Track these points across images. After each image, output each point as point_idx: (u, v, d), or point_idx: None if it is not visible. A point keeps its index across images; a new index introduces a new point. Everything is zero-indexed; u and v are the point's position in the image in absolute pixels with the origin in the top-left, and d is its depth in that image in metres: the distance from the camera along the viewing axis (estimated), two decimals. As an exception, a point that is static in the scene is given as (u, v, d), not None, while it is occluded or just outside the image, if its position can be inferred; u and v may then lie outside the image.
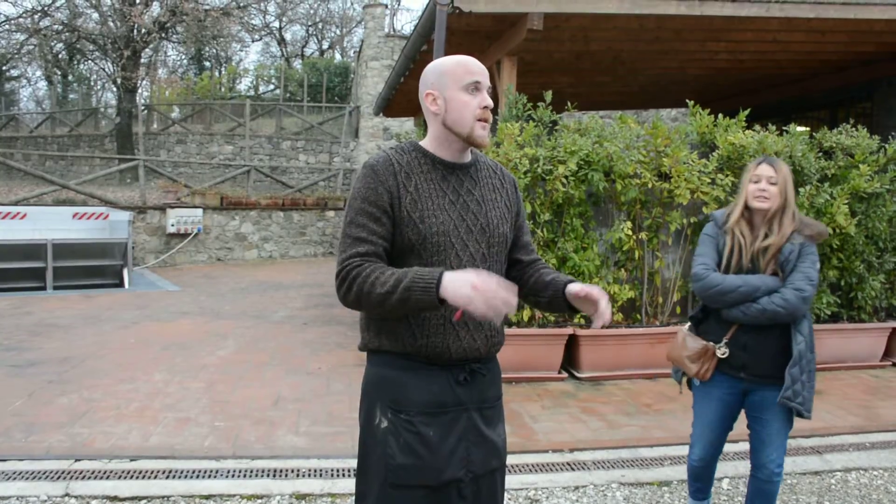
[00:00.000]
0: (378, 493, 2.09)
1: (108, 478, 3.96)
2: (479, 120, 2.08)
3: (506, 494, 3.91)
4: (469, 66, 2.10)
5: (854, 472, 4.39)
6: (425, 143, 2.17)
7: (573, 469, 4.28)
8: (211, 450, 4.39)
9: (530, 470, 4.25)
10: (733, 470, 4.31)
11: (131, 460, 4.20)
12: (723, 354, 3.07)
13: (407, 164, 2.09)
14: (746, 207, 3.11)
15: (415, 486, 2.06)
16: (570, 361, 6.26)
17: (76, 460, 4.15)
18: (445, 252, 2.06)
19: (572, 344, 6.16)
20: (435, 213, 2.06)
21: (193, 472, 4.09)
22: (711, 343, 3.11)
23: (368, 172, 2.08)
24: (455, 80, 2.08)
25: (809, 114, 12.22)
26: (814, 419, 5.08)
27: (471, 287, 1.78)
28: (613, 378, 6.10)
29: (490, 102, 2.10)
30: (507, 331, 5.84)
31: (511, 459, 4.31)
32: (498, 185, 2.25)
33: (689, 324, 3.31)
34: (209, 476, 4.05)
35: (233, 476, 4.05)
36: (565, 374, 6.12)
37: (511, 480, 4.09)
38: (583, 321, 6.21)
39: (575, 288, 2.12)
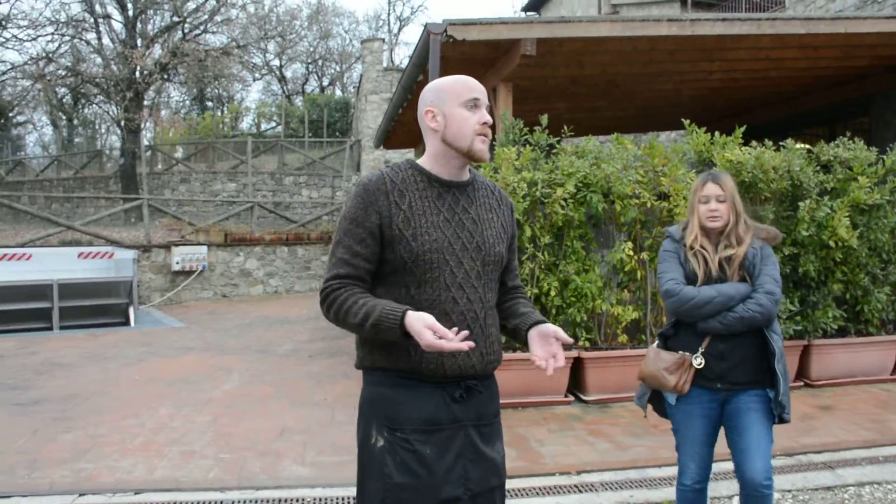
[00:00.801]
0: None
1: (112, 513, 3.94)
2: (479, 135, 2.11)
3: (513, 518, 3.88)
4: (468, 83, 2.15)
5: (868, 486, 4.32)
6: (422, 162, 2.19)
7: (581, 491, 4.23)
8: (215, 481, 4.36)
9: (537, 493, 4.21)
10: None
11: (136, 493, 4.18)
12: (699, 365, 3.03)
13: (402, 181, 2.11)
14: (701, 227, 3.13)
15: None
16: (576, 385, 6.21)
17: (80, 495, 4.13)
18: (439, 269, 2.07)
19: (578, 367, 6.12)
20: (428, 230, 2.07)
21: (198, 503, 4.06)
22: (688, 354, 3.06)
23: (360, 192, 2.11)
24: (454, 97, 2.12)
25: (807, 131, 12.26)
26: (824, 434, 5.11)
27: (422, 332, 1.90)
28: (620, 400, 6.05)
29: (489, 119, 2.14)
30: (510, 356, 5.88)
31: (517, 483, 4.32)
32: (495, 205, 2.27)
33: (657, 341, 3.26)
34: (214, 508, 4.03)
35: (238, 507, 4.03)
36: (572, 398, 6.07)
37: (518, 504, 4.06)
38: (587, 343, 6.18)
39: (545, 327, 2.16)
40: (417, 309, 2.00)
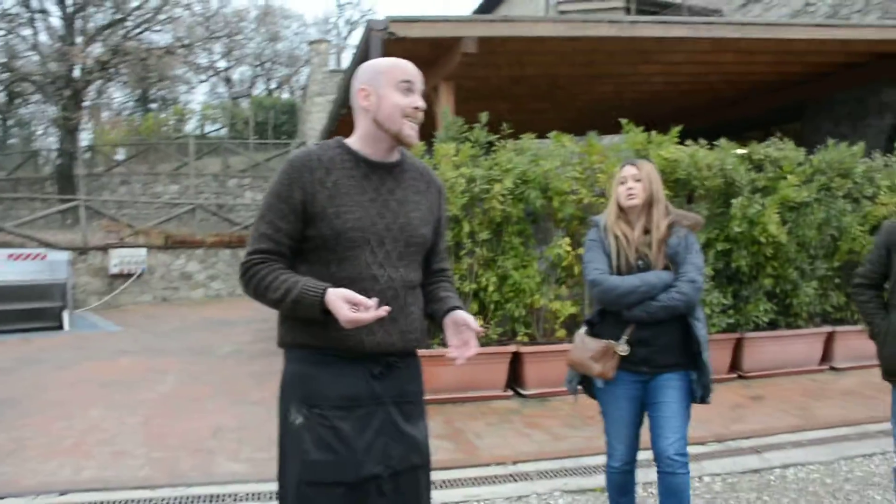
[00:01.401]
0: (295, 493, 2.05)
1: (35, 512, 3.83)
2: (410, 119, 2.12)
3: (447, 507, 3.89)
4: (404, 66, 2.15)
5: (792, 467, 4.46)
6: (351, 141, 2.19)
7: (515, 480, 4.27)
8: (146, 480, 4.28)
9: (472, 483, 4.23)
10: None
11: (61, 494, 4.07)
12: (623, 352, 3.07)
13: (328, 159, 2.11)
14: (620, 209, 3.18)
15: (331, 484, 2.03)
16: (515, 379, 6.26)
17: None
18: (360, 248, 2.08)
19: (517, 362, 6.17)
20: (352, 209, 2.07)
21: (126, 501, 3.99)
22: (612, 341, 3.09)
23: (286, 168, 2.10)
24: (389, 79, 2.12)
25: (745, 134, 12.59)
26: (753, 422, 5.24)
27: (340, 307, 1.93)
28: (559, 394, 6.08)
29: (422, 104, 2.16)
30: (449, 350, 5.86)
31: (453, 474, 4.34)
32: (423, 187, 2.27)
33: (584, 327, 3.30)
34: (143, 504, 3.94)
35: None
36: (511, 392, 6.12)
37: (453, 494, 4.07)
38: (526, 338, 6.23)
39: (459, 315, 2.19)
40: (338, 286, 2.00)
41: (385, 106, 2.11)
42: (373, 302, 1.93)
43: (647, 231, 3.13)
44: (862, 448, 4.77)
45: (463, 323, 2.16)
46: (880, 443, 4.78)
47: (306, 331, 2.09)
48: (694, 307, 3.07)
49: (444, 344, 2.23)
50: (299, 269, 2.11)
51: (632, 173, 3.15)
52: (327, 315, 1.96)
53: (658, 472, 3.09)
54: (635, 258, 3.10)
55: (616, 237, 3.14)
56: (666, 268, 3.09)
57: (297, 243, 2.11)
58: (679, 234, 3.11)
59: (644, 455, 4.16)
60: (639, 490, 4.08)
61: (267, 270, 2.06)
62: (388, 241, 2.12)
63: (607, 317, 3.20)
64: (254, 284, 2.07)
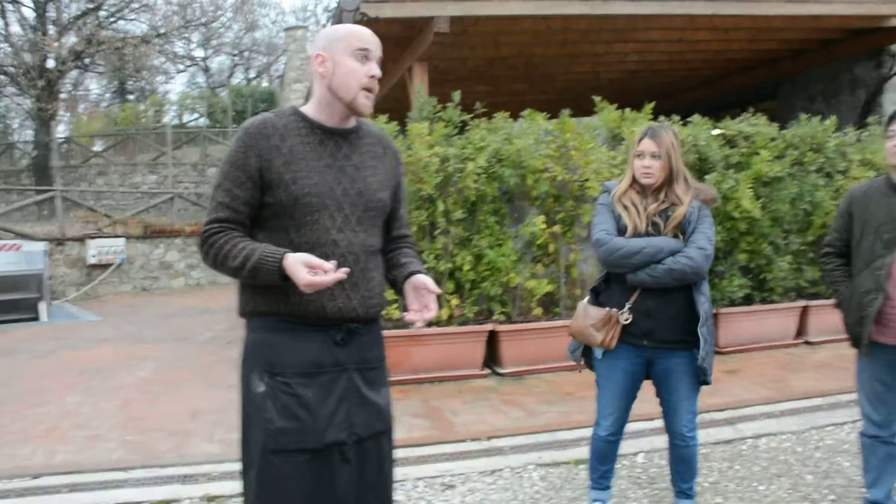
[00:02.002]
0: (260, 462, 2.05)
1: (6, 497, 3.80)
2: (364, 88, 2.10)
3: (421, 482, 3.92)
4: (361, 34, 2.13)
5: (764, 437, 4.50)
6: (306, 108, 2.18)
7: (490, 455, 4.28)
8: (120, 462, 4.27)
9: (447, 459, 4.24)
10: (648, 444, 4.37)
11: (34, 478, 4.04)
12: (626, 321, 3.03)
13: (283, 126, 2.10)
14: (634, 180, 3.13)
15: (295, 451, 2.03)
16: (492, 358, 6.28)
17: (-29, 481, 3.97)
18: (319, 213, 2.07)
19: (493, 340, 6.18)
20: (308, 174, 2.07)
21: (100, 483, 3.97)
22: (615, 310, 3.06)
23: (241, 135, 2.09)
24: (346, 47, 2.10)
25: (720, 113, 12.65)
26: (726, 395, 5.28)
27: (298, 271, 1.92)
28: (536, 372, 6.13)
29: (378, 72, 2.12)
30: (427, 330, 5.89)
31: (428, 450, 4.36)
32: (380, 153, 2.26)
33: (588, 296, 3.29)
34: (117, 486, 3.94)
35: (141, 484, 3.95)
36: (488, 371, 6.13)
37: (427, 469, 4.09)
38: (503, 317, 6.24)
39: (418, 278, 2.19)
40: (298, 252, 1.99)
41: (340, 73, 2.09)
42: (331, 265, 1.92)
43: (671, 204, 3.05)
44: (833, 418, 4.83)
45: (422, 286, 2.16)
46: (851, 412, 4.82)
47: (267, 298, 2.08)
48: (701, 276, 3.01)
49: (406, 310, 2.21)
50: (258, 236, 2.10)
51: (650, 150, 3.04)
52: (287, 281, 1.96)
53: (670, 444, 3.22)
54: (645, 226, 3.04)
55: (625, 207, 3.09)
56: (675, 236, 3.03)
57: (254, 210, 2.09)
58: (693, 205, 3.04)
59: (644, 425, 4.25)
60: (639, 458, 4.16)
61: (225, 239, 2.04)
62: (347, 205, 2.11)
63: (612, 285, 3.17)
64: (213, 254, 2.06)
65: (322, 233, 2.07)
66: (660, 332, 3.04)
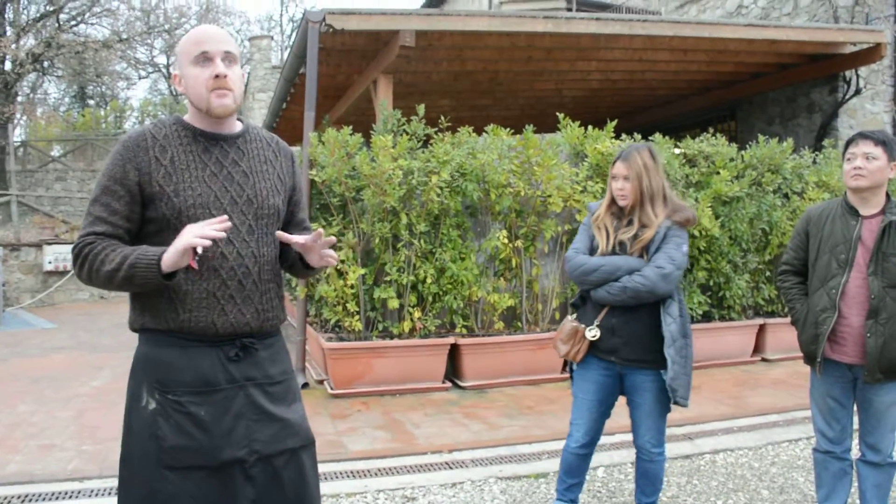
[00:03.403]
0: (149, 477, 1.97)
1: (-48, 509, 3.70)
2: (214, 90, 2.01)
3: (382, 494, 3.89)
4: (197, 37, 2.04)
5: (722, 453, 4.57)
6: (187, 117, 2.12)
7: (451, 468, 4.28)
8: (75, 472, 4.18)
9: (408, 471, 4.22)
10: (608, 459, 4.41)
11: (-18, 489, 3.93)
12: (593, 337, 3.11)
13: (164, 137, 2.03)
14: (614, 202, 3.21)
15: (191, 468, 1.97)
16: (454, 371, 6.28)
17: (-86, 493, 3.84)
18: None
19: (455, 353, 6.19)
20: (192, 185, 2.00)
21: (54, 494, 3.89)
22: (582, 325, 3.15)
23: (119, 149, 2.02)
24: (187, 56, 2.03)
25: (681, 133, 12.88)
26: (686, 411, 5.28)
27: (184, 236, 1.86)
28: (497, 385, 6.15)
29: (222, 70, 2.01)
30: (388, 343, 5.89)
31: (389, 462, 4.33)
32: (271, 156, 2.20)
33: (573, 313, 3.36)
34: (71, 497, 3.87)
35: (97, 495, 3.89)
36: (449, 384, 6.13)
37: (388, 481, 4.06)
38: (464, 331, 6.25)
39: (293, 238, 2.10)
40: (185, 266, 1.95)
41: (190, 85, 2.03)
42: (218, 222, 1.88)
43: (643, 225, 3.11)
44: (789, 434, 4.93)
45: (300, 243, 2.08)
46: (806, 428, 4.94)
47: (156, 315, 2.00)
48: (667, 301, 3.04)
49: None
50: None
51: (622, 173, 3.12)
52: (169, 279, 1.89)
53: (637, 458, 3.26)
54: (612, 247, 3.13)
55: (598, 229, 3.20)
56: (640, 256, 3.09)
57: (135, 226, 2.02)
58: (663, 225, 3.09)
59: (605, 440, 4.29)
60: (599, 473, 4.14)
61: (101, 247, 1.95)
62: (236, 215, 2.04)
63: (587, 302, 3.26)
64: (88, 262, 1.95)
65: (208, 246, 1.97)
66: (625, 350, 3.09)
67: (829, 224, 3.11)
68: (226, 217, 1.89)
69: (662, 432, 3.20)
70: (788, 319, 7.02)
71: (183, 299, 1.96)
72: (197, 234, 1.83)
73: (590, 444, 3.28)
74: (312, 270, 2.26)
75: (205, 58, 2.01)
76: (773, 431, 4.98)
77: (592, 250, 3.20)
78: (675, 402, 3.07)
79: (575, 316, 3.31)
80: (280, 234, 2.08)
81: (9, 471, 4.22)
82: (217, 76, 2.00)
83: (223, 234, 1.87)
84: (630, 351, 3.08)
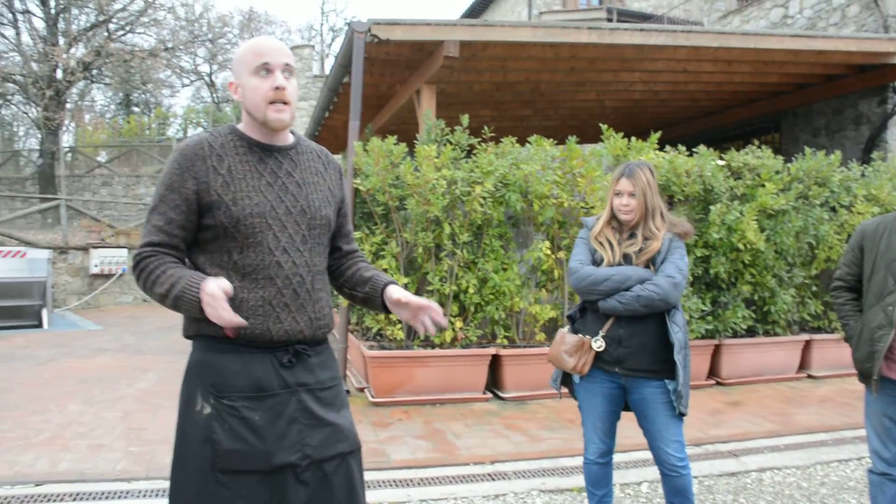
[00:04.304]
0: (203, 481, 1.99)
1: (10, 503, 3.80)
2: (273, 102, 2.04)
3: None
4: (258, 48, 2.06)
5: (769, 471, 4.50)
6: (242, 126, 2.14)
7: (493, 479, 4.28)
8: (123, 472, 4.28)
9: (451, 482, 4.23)
10: (653, 474, 4.36)
11: (36, 485, 4.05)
12: (599, 348, 3.10)
13: (221, 146, 2.06)
14: (614, 217, 3.23)
15: (246, 472, 1.99)
16: (494, 382, 6.28)
17: (-27, 489, 3.96)
18: (262, 233, 2.03)
19: (496, 364, 6.19)
20: (249, 194, 2.03)
21: (103, 493, 3.98)
22: (588, 337, 3.14)
23: (176, 157, 2.04)
24: (247, 66, 2.05)
25: (723, 144, 12.73)
26: (731, 427, 5.29)
27: (205, 296, 1.88)
28: (538, 397, 6.13)
29: (282, 83, 2.04)
30: (429, 352, 5.91)
31: (431, 472, 4.35)
32: (321, 168, 2.23)
33: (567, 325, 3.35)
34: (120, 497, 3.95)
35: (145, 496, 3.96)
36: (490, 395, 6.13)
37: (430, 492, 4.08)
38: (506, 341, 6.25)
39: (396, 294, 2.18)
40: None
41: (248, 95, 2.05)
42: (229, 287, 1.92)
43: (647, 238, 3.16)
44: (838, 453, 4.83)
45: (404, 302, 2.15)
46: (857, 448, 4.84)
47: (211, 322, 2.00)
48: (669, 303, 3.06)
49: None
50: (199, 259, 2.07)
51: (628, 190, 3.15)
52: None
53: (662, 474, 3.19)
54: (618, 259, 3.14)
55: (601, 244, 3.20)
56: (646, 267, 3.12)
57: (191, 234, 2.05)
58: (666, 237, 3.14)
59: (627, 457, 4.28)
60: (644, 488, 4.13)
61: (156, 264, 1.99)
62: (290, 224, 2.07)
63: (587, 313, 3.24)
64: (143, 278, 2.01)
65: (266, 254, 2.03)
66: (631, 360, 3.09)
67: (885, 239, 3.06)
68: (231, 290, 1.93)
69: (683, 443, 3.15)
70: (835, 335, 7.01)
71: (239, 307, 1.99)
72: (222, 318, 1.88)
73: (608, 453, 3.28)
74: (387, 312, 2.29)
75: (265, 69, 2.04)
76: (822, 450, 4.89)
77: (594, 263, 3.19)
78: (679, 412, 3.07)
79: (569, 328, 3.30)
80: (398, 295, 2.18)
81: (61, 468, 4.33)
82: (277, 88, 2.03)
83: (242, 324, 1.92)
84: (636, 361, 3.08)
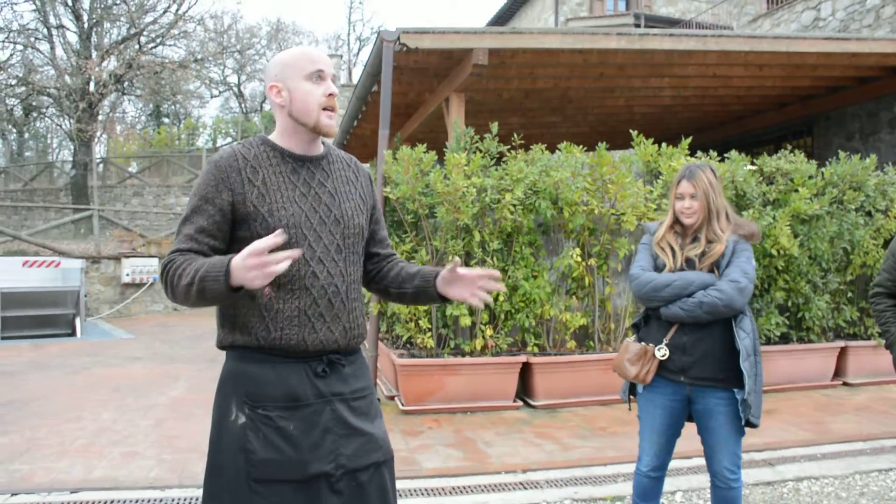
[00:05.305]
0: (237, 490, 1.99)
1: (45, 512, 3.85)
2: (325, 109, 2.07)
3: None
4: (311, 55, 2.09)
5: (805, 480, 4.42)
6: (274, 137, 2.14)
7: (526, 488, 4.25)
8: (156, 480, 4.30)
9: (483, 490, 4.21)
10: (686, 483, 4.31)
11: (72, 492, 4.09)
12: (662, 356, 3.04)
13: (254, 157, 2.06)
14: (677, 221, 3.18)
15: (279, 481, 1.99)
16: (524, 390, 6.25)
17: (12, 495, 4.02)
18: (298, 244, 2.02)
19: (526, 372, 6.16)
20: (284, 205, 2.03)
21: (137, 500, 4.01)
22: (651, 345, 3.09)
23: (211, 169, 2.04)
24: (298, 71, 2.06)
25: (754, 150, 12.60)
26: (766, 435, 5.20)
27: (245, 261, 1.79)
28: (568, 405, 6.09)
29: (335, 90, 2.08)
30: (459, 360, 5.90)
31: (463, 481, 4.34)
32: (352, 177, 2.24)
33: (633, 334, 3.32)
34: (153, 505, 3.97)
35: (178, 504, 3.97)
36: (520, 403, 6.10)
37: (462, 500, 4.06)
38: (536, 349, 6.22)
39: (455, 269, 2.15)
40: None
41: (298, 99, 2.06)
42: (273, 240, 1.79)
43: (710, 241, 3.10)
44: (878, 463, 4.73)
45: (462, 275, 2.15)
46: (896, 457, 4.76)
47: (247, 332, 2.04)
48: (739, 316, 3.01)
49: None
50: None
51: (689, 192, 3.10)
52: (237, 292, 1.86)
53: (712, 485, 3.12)
54: (680, 264, 3.09)
55: (662, 249, 3.16)
56: (710, 271, 3.06)
57: (222, 244, 2.05)
58: (730, 239, 3.08)
59: (682, 463, 4.22)
60: (678, 497, 4.09)
61: (180, 262, 1.95)
62: (325, 234, 2.08)
63: (651, 321, 3.20)
64: (169, 281, 1.96)
65: (301, 265, 2.02)
66: (696, 369, 3.02)
67: (926, 246, 3.01)
68: (279, 232, 1.84)
69: (739, 457, 3.09)
70: (872, 342, 6.89)
71: (274, 317, 2.00)
72: (257, 270, 1.79)
73: (661, 468, 3.21)
74: (442, 300, 2.28)
75: (319, 76, 2.06)
76: (860, 460, 4.79)
77: (656, 269, 3.15)
78: (748, 422, 2.98)
79: (635, 337, 3.26)
80: (455, 269, 2.16)
81: (95, 475, 4.37)
82: (331, 94, 2.06)
83: (288, 262, 1.83)
84: (701, 369, 3.02)
